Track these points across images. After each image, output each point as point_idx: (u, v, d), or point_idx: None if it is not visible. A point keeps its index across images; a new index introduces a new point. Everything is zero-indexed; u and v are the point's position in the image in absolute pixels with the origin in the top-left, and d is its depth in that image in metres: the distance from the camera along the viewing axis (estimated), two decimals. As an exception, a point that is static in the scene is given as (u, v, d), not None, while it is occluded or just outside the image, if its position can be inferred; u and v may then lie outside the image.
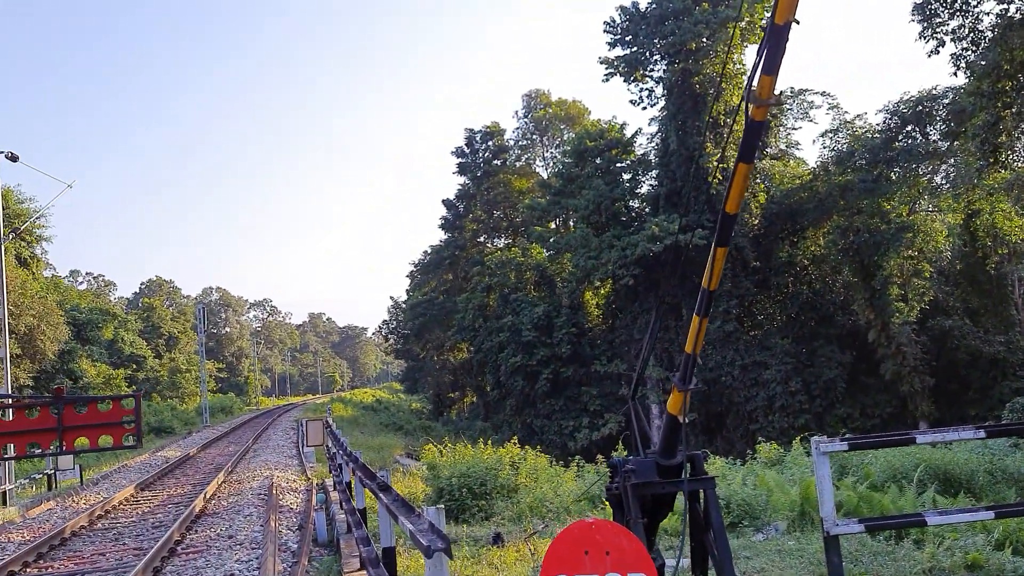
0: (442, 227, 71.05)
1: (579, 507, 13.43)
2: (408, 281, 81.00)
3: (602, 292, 53.90)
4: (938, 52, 23.21)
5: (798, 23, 4.00)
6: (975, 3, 22.63)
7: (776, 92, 4.35)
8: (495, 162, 68.39)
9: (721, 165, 45.45)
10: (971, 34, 22.72)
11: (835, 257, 44.79)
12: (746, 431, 44.56)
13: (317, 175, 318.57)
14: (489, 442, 21.85)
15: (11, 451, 10.46)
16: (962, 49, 22.89)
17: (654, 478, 5.84)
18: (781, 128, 54.79)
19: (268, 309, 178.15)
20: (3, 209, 20.19)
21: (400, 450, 36.39)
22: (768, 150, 51.95)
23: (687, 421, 5.73)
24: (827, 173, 44.85)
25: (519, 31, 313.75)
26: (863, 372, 44.36)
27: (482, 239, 69.49)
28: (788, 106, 54.02)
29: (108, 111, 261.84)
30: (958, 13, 22.91)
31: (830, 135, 50.30)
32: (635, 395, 6.82)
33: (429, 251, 73.24)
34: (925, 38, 23.47)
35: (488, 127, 68.91)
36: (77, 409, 10.80)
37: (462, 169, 69.48)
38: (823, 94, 53.25)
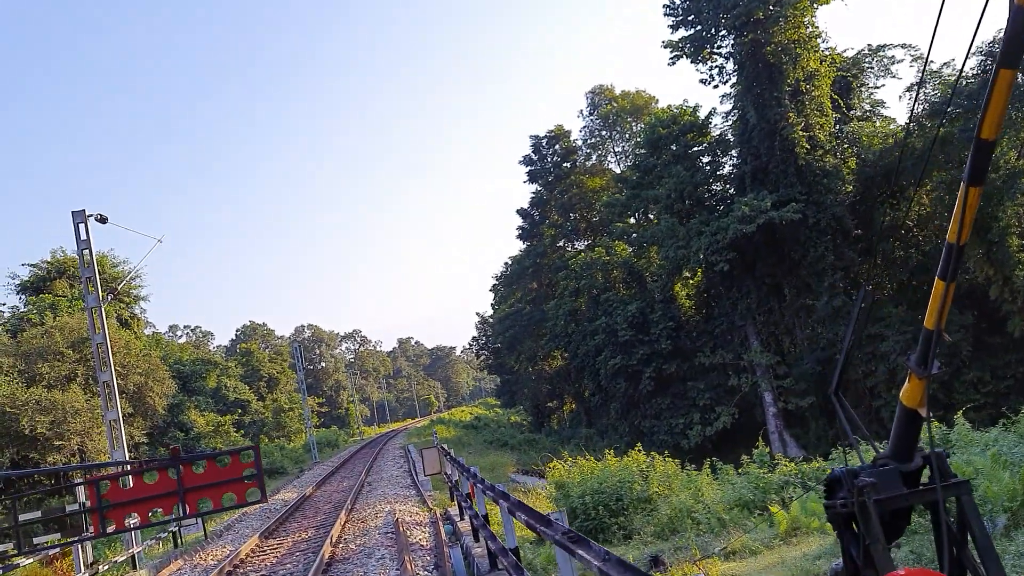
0: (520, 237, 70.47)
1: (733, 516, 12.21)
2: (492, 295, 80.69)
3: (692, 282, 52.16)
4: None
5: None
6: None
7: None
8: (565, 165, 67.46)
9: (806, 134, 43.52)
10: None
11: (943, 215, 42.02)
12: (868, 408, 42.17)
13: (392, 202, 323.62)
14: (611, 451, 20.75)
15: (133, 521, 9.84)
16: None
17: (900, 489, 4.62)
18: (863, 88, 52.06)
19: (359, 340, 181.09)
20: (100, 275, 20.41)
21: (512, 467, 35.61)
22: (853, 112, 49.38)
23: (929, 415, 4.54)
24: (922, 128, 42.18)
25: (573, 33, 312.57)
26: (988, 332, 41.46)
27: (561, 243, 68.51)
28: (868, 64, 51.33)
29: (185, 167, 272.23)
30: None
31: (917, 88, 47.57)
32: (837, 388, 5.57)
33: (510, 263, 72.75)
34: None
35: (552, 131, 68.06)
36: (195, 468, 10.17)
37: (532, 176, 68.81)
38: (904, 46, 50.30)
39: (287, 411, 79.32)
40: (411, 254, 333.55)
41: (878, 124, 49.90)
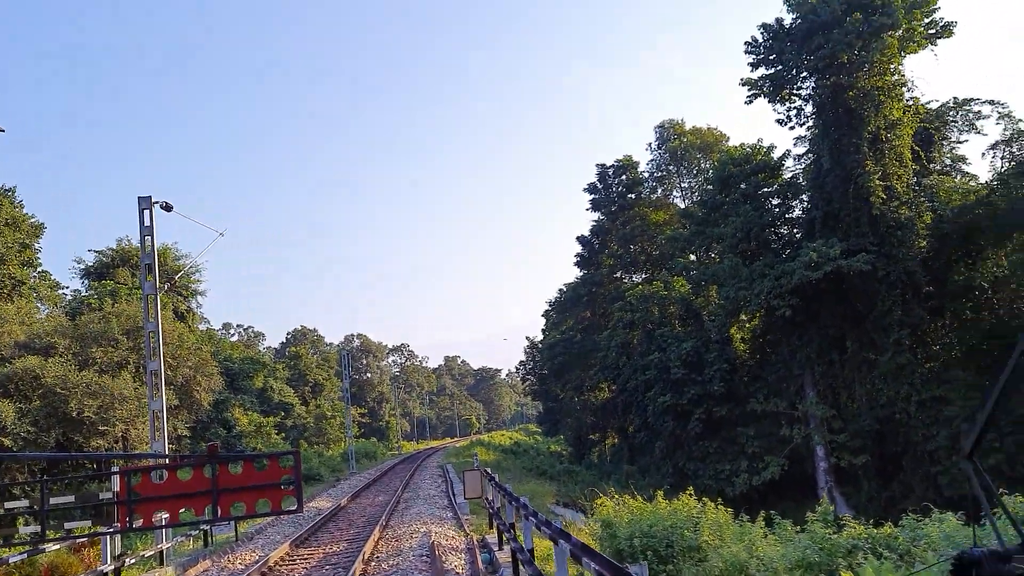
0: (577, 264, 69.83)
1: (795, 578, 11.28)
2: (544, 321, 79.94)
3: (748, 326, 50.78)
4: None
5: None
6: None
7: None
8: (629, 196, 66.77)
9: (883, 183, 42.08)
10: None
11: (1021, 278, 40.13)
12: (927, 474, 40.21)
13: (448, 218, 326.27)
14: (656, 492, 19.85)
15: (162, 519, 9.37)
16: None
17: None
18: (945, 141, 50.37)
19: (406, 354, 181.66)
20: (160, 267, 20.48)
21: (552, 498, 34.72)
22: (933, 165, 47.73)
23: None
24: (1006, 186, 40.44)
25: (653, 62, 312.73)
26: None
27: (619, 274, 67.62)
28: (952, 118, 49.68)
29: (251, 163, 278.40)
30: None
31: (1002, 146, 45.86)
32: (973, 453, 4.65)
33: (565, 289, 72.06)
34: None
35: (621, 161, 67.53)
36: (232, 468, 9.63)
37: (595, 205, 68.33)
38: (991, 103, 48.48)
39: (329, 418, 79.50)
40: (468, 274, 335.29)
41: (958, 180, 48.13)
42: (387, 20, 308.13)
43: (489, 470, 21.23)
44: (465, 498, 21.56)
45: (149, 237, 19.49)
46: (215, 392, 40.70)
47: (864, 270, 39.81)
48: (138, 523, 9.47)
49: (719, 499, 17.89)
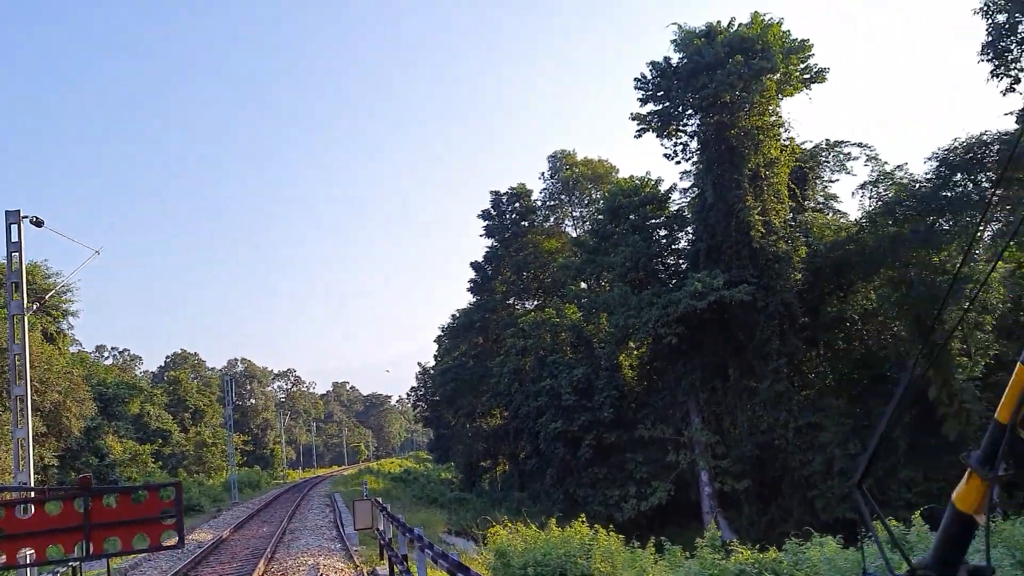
0: (471, 290, 69.93)
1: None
2: (436, 346, 79.54)
3: (636, 353, 52.04)
4: (1013, 90, 21.79)
5: None
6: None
7: None
8: (523, 223, 67.56)
9: (762, 218, 44.19)
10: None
11: (887, 311, 42.81)
12: (804, 498, 42.04)
13: (338, 242, 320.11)
14: (546, 518, 19.93)
15: (28, 556, 8.73)
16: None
17: None
18: (818, 180, 53.42)
19: (292, 379, 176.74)
20: (29, 285, 19.21)
21: (443, 527, 34.31)
22: (807, 202, 50.50)
23: (988, 525, 3.93)
24: (874, 224, 43.16)
25: (543, 92, 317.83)
26: (924, 433, 41.94)
27: (512, 301, 68.13)
28: (825, 158, 52.77)
29: (129, 179, 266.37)
30: (1033, 47, 21.48)
31: (870, 186, 48.94)
32: (863, 480, 4.82)
33: (458, 315, 71.91)
34: (998, 76, 22.03)
35: (514, 188, 68.34)
36: (106, 502, 9.10)
37: (489, 231, 68.73)
38: (860, 145, 51.80)
39: (210, 446, 76.32)
40: (356, 298, 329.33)
41: (831, 217, 51.08)
42: (271, 32, 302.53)
43: (380, 499, 20.80)
44: (355, 529, 21.03)
45: (17, 253, 18.29)
46: (86, 418, 38.43)
47: (745, 300, 41.50)
48: (0, 561, 8.78)
49: (609, 525, 18.15)
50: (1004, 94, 21.59)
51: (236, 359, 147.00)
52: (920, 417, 41.86)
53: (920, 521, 13.74)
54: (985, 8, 20.90)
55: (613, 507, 44.17)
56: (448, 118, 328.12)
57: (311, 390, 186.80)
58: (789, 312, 43.15)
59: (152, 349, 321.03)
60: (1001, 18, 20.64)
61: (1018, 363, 3.56)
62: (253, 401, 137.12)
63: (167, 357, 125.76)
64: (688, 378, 45.22)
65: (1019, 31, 20.45)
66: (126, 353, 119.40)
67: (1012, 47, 21.24)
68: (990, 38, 21.49)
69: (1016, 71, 21.31)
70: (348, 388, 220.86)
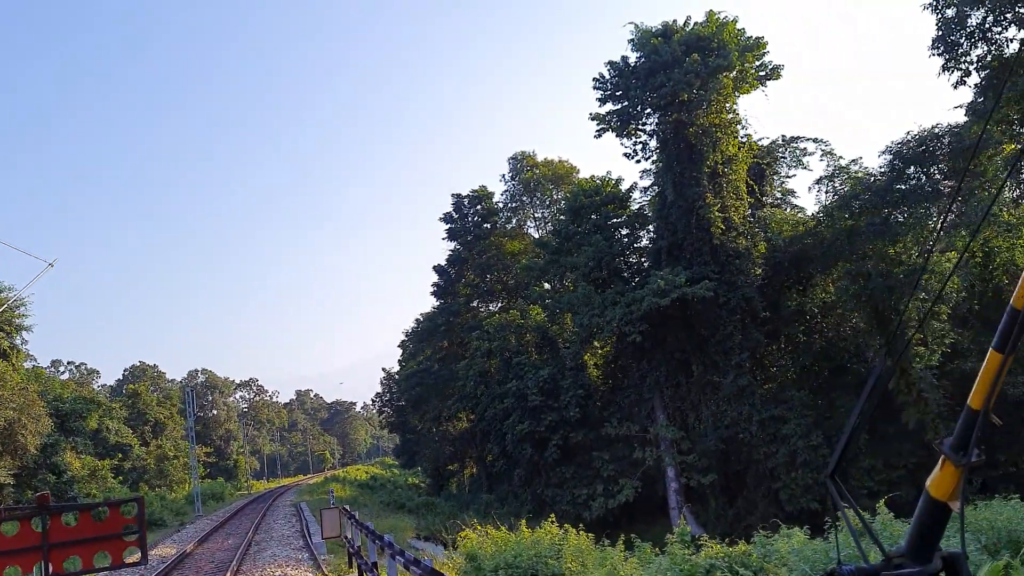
0: (434, 294, 69.66)
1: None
2: (400, 352, 79.07)
3: (601, 352, 52.25)
4: (964, 82, 22.25)
5: None
6: (998, 30, 21.72)
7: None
8: (485, 226, 67.52)
9: (722, 215, 44.65)
10: (994, 62, 21.77)
11: (846, 303, 43.51)
12: (768, 490, 42.50)
13: (299, 250, 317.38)
14: (515, 519, 19.86)
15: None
16: (988, 78, 21.96)
17: None
18: (776, 176, 54.17)
19: (255, 389, 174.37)
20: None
21: (411, 532, 34.07)
22: (766, 198, 51.16)
23: (963, 511, 3.90)
24: (831, 218, 43.87)
25: (504, 94, 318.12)
26: (884, 421, 42.69)
27: (476, 304, 68.03)
28: (781, 154, 53.53)
29: (87, 193, 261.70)
30: (980, 41, 21.95)
31: (826, 181, 49.70)
32: (835, 472, 4.77)
33: (422, 319, 71.60)
34: (949, 70, 22.47)
35: (476, 191, 68.27)
36: (65, 519, 8.82)
37: (452, 235, 68.56)
38: (815, 141, 52.73)
39: (172, 459, 74.99)
40: (319, 306, 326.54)
41: (788, 212, 51.82)
42: (232, 35, 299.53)
43: (348, 507, 20.56)
44: (323, 537, 20.75)
45: (-34, 267, 17.73)
46: (43, 435, 37.44)
47: (707, 296, 41.86)
48: (-47, 587, 8.44)
49: (578, 524, 18.14)
50: (955, 87, 22.05)
51: (197, 370, 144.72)
52: (879, 406, 42.59)
53: (884, 510, 13.95)
54: (934, 3, 21.31)
55: (581, 506, 44.25)
56: (409, 123, 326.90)
57: (274, 399, 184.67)
58: (750, 307, 43.63)
59: (110, 362, 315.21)
60: (950, 12, 21.05)
61: (990, 349, 3.57)
62: (215, 412, 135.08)
63: (125, 370, 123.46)
64: (652, 375, 45.49)
65: (968, 25, 20.88)
66: (83, 367, 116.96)
67: (962, 41, 21.66)
68: (940, 32, 21.88)
69: (966, 64, 21.73)
70: (312, 396, 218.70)
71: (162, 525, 45.87)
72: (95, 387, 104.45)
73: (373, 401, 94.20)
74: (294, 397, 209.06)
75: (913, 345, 39.14)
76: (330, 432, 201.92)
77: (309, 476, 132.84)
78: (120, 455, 64.05)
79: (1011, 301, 3.52)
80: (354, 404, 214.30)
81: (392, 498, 59.07)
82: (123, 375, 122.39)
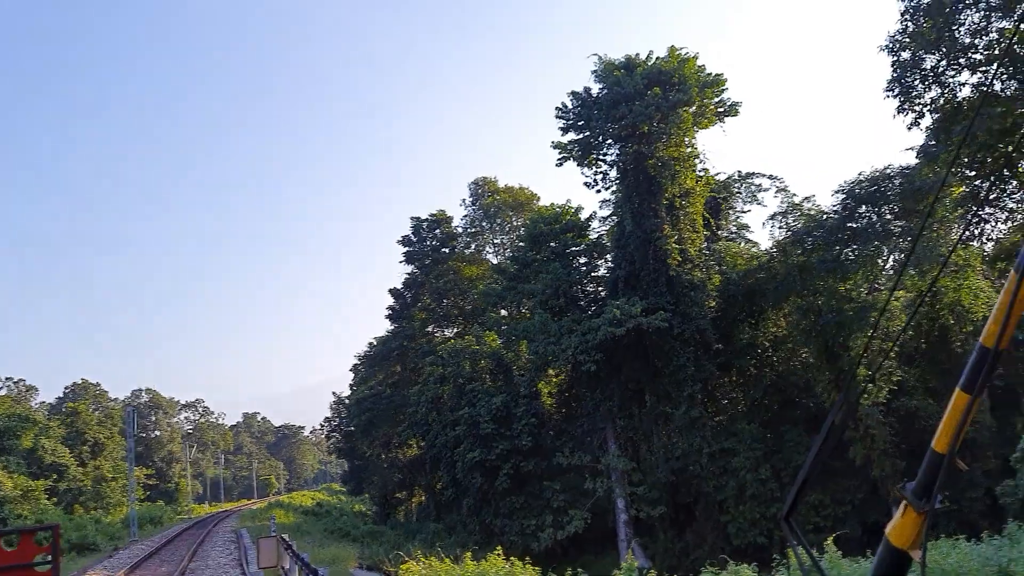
0: (389, 318, 68.79)
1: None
2: (352, 376, 77.84)
3: (555, 380, 52.01)
4: (918, 124, 22.64)
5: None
6: (952, 74, 22.18)
7: None
8: (443, 250, 67.09)
9: (679, 247, 44.96)
10: (947, 105, 22.21)
11: (797, 338, 43.96)
12: (717, 523, 42.45)
13: (249, 269, 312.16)
14: (461, 550, 19.34)
15: None
16: (940, 120, 22.37)
17: None
18: (731, 210, 54.86)
19: (200, 410, 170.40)
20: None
21: (354, 562, 33.13)
22: (721, 232, 51.74)
23: (924, 559, 3.56)
24: (784, 253, 44.41)
25: (467, 120, 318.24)
26: (831, 457, 42.98)
27: (431, 328, 67.35)
28: (737, 189, 54.27)
29: (25, 204, 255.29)
30: (934, 84, 22.39)
31: (780, 217, 50.42)
32: (790, 515, 4.37)
33: (375, 343, 70.60)
34: (904, 111, 22.87)
35: (435, 215, 67.91)
36: (-25, 546, 8.14)
37: (409, 258, 67.96)
38: (771, 177, 53.62)
39: (110, 480, 72.49)
40: (271, 328, 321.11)
41: (743, 246, 52.40)
42: (162, 47, 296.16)
43: (287, 536, 19.80)
44: (259, 567, 19.93)
45: None
46: (-30, 454, 35.76)
47: (662, 327, 41.94)
48: None
49: (526, 556, 17.75)
50: (909, 129, 22.40)
51: (141, 389, 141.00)
52: (827, 441, 42.93)
53: (833, 548, 13.81)
54: (890, 45, 21.70)
55: (530, 537, 43.69)
56: (369, 147, 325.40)
57: (220, 421, 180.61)
58: (703, 338, 43.84)
59: (51, 380, 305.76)
60: (906, 55, 21.45)
61: (957, 389, 3.28)
62: (158, 433, 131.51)
63: (66, 388, 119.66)
64: (606, 404, 45.33)
65: (923, 68, 21.29)
66: (21, 383, 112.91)
67: (916, 83, 22.06)
68: (896, 74, 22.25)
69: (920, 107, 22.12)
70: (259, 419, 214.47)
71: (95, 550, 44.10)
72: (33, 404, 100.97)
73: (322, 426, 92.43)
74: (241, 419, 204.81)
75: (860, 382, 39.60)
76: (277, 456, 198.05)
77: (253, 501, 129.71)
78: (56, 475, 61.75)
79: (980, 339, 3.25)
80: (303, 428, 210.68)
81: (337, 526, 57.74)
82: (64, 393, 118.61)
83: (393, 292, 68.58)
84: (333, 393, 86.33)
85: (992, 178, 21.87)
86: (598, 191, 50.21)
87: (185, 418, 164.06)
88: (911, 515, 3.47)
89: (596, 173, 49.44)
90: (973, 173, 22.87)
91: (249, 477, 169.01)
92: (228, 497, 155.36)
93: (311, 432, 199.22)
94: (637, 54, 47.62)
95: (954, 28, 20.55)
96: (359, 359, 75.29)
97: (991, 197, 21.95)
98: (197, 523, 66.41)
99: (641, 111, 44.08)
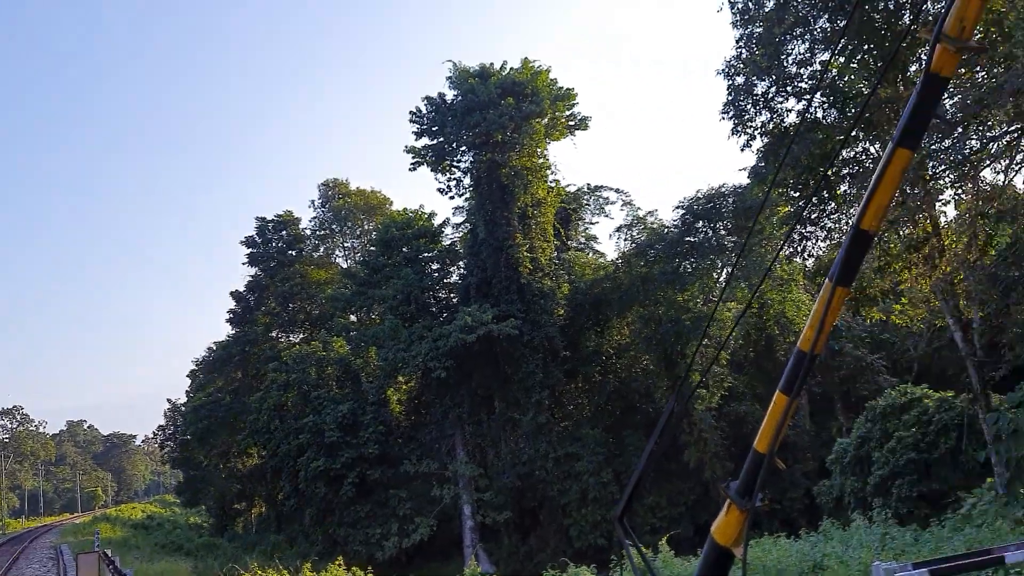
0: (230, 321, 65.73)
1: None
2: (189, 382, 73.91)
3: (405, 387, 51.59)
4: (750, 146, 24.06)
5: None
6: (780, 100, 23.73)
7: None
8: (290, 252, 64.92)
9: (530, 255, 45.80)
10: (775, 129, 23.76)
11: (639, 346, 45.73)
12: (560, 527, 43.42)
13: (69, 259, 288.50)
14: (303, 562, 18.79)
15: None
16: (769, 144, 23.88)
17: None
18: (580, 222, 56.47)
19: (19, 418, 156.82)
20: None
21: (186, 577, 31.48)
22: (570, 242, 53.12)
23: (746, 556, 3.77)
24: (628, 265, 46.17)
25: (317, 118, 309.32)
26: (667, 460, 44.95)
27: (275, 333, 64.98)
28: (586, 201, 55.95)
29: None
30: (764, 109, 23.90)
31: (625, 229, 52.43)
32: (623, 515, 4.52)
33: (215, 348, 67.34)
34: (738, 133, 24.26)
35: (281, 216, 65.62)
36: None
37: (253, 259, 65.19)
38: (617, 191, 55.74)
39: (-95, 497, 65.29)
40: (99, 327, 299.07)
41: (590, 256, 54.08)
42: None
43: (110, 552, 18.50)
44: (78, 586, 18.51)
45: None
46: None
47: (512, 334, 42.53)
48: None
49: (369, 565, 17.44)
50: (742, 150, 23.75)
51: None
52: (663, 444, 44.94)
53: (666, 547, 14.43)
54: (726, 69, 23.00)
55: (374, 546, 43.09)
56: (212, 140, 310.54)
57: (41, 429, 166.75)
58: (552, 346, 44.80)
59: None
60: (740, 80, 22.77)
61: (777, 391, 3.48)
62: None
63: None
64: (456, 411, 45.43)
65: (755, 93, 22.67)
66: None
67: (748, 107, 23.46)
68: (730, 97, 23.59)
69: (752, 129, 23.53)
70: (86, 427, 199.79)
71: None
72: None
73: (155, 434, 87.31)
74: (65, 428, 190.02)
75: (694, 387, 41.76)
76: (105, 467, 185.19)
77: (77, 515, 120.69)
78: None
79: (798, 344, 3.47)
80: (134, 437, 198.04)
81: (169, 539, 54.71)
82: None
83: (235, 295, 65.65)
84: (168, 400, 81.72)
85: (813, 199, 23.51)
86: (451, 197, 50.40)
87: (0, 426, 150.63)
88: (735, 513, 3.65)
89: (450, 179, 49.60)
90: (797, 194, 24.51)
91: (73, 489, 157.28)
92: (49, 511, 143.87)
93: (143, 441, 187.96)
94: (492, 63, 48.29)
95: (783, 57, 22.04)
96: (197, 365, 71.65)
97: (812, 216, 23.58)
98: (12, 539, 60.94)
99: (495, 120, 44.60)
